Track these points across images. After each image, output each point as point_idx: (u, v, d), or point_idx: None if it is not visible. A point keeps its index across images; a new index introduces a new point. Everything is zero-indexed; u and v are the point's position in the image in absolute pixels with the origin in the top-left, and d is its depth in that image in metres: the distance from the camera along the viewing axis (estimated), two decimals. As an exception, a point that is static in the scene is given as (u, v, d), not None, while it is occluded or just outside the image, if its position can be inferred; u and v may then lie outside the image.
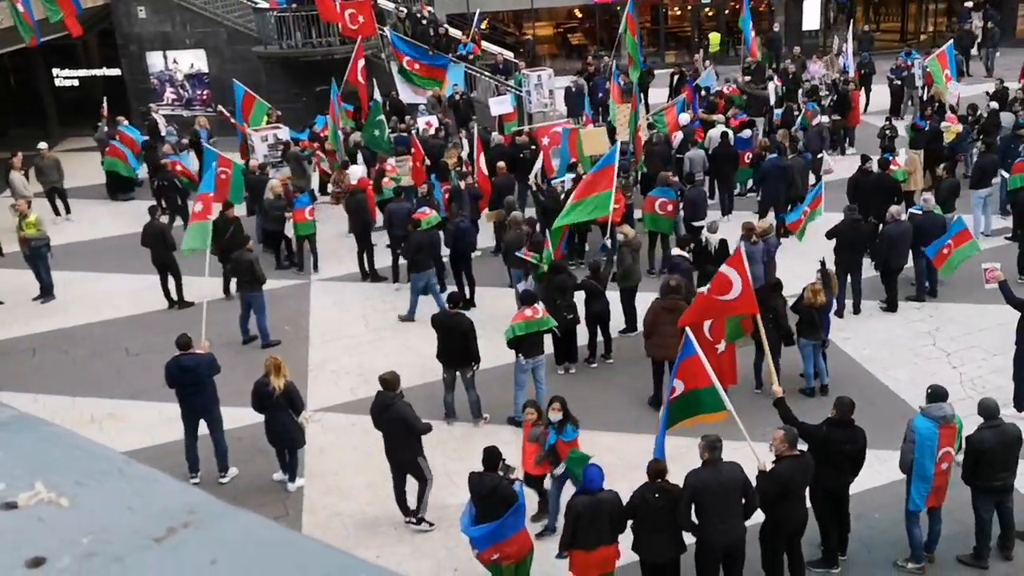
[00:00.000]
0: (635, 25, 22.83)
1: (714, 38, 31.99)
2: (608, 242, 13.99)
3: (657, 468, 8.05)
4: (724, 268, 10.19)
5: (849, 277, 13.67)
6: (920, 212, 14.18)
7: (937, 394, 8.53)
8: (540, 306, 11.42)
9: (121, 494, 1.03)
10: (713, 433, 8.13)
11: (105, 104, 22.75)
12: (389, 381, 9.44)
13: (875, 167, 15.84)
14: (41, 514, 0.99)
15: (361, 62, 21.38)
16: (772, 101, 21.24)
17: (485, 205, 16.62)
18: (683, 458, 8.93)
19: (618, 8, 32.82)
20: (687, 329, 9.15)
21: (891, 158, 16.36)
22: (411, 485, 9.71)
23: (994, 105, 19.55)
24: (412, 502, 9.75)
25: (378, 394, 9.47)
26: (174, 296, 15.43)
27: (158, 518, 0.99)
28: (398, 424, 9.33)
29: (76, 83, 29.58)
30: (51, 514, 0.99)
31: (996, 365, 11.94)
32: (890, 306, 13.93)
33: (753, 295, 10.00)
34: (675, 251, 13.48)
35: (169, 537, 0.96)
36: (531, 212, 16.24)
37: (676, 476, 8.25)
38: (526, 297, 11.56)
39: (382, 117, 19.46)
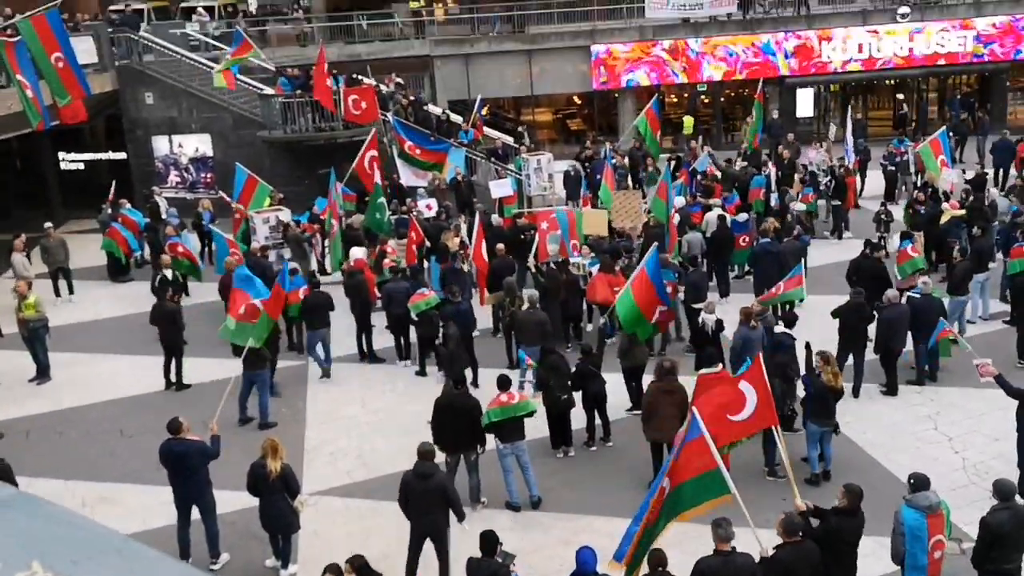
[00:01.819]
0: (656, 120, 23.65)
1: (688, 122, 32.64)
2: (604, 321, 13.88)
3: (658, 557, 7.91)
4: (742, 384, 9.59)
5: (852, 358, 13.65)
6: (919, 295, 14.22)
7: (920, 483, 8.38)
8: (516, 391, 11.38)
9: (118, 574, 1.02)
10: (724, 517, 7.93)
11: (113, 187, 23.05)
12: (429, 452, 9.76)
13: (885, 250, 15.84)
14: (37, 594, 0.98)
15: (372, 152, 21.72)
16: (772, 185, 21.50)
17: (483, 286, 16.65)
18: (686, 543, 8.77)
19: (616, 96, 33.57)
20: (694, 408, 8.73)
21: (912, 243, 16.33)
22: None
23: (994, 191, 19.79)
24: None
25: (416, 464, 9.60)
26: (173, 378, 15.38)
27: (155, 599, 0.97)
28: (436, 493, 9.50)
29: (81, 166, 29.94)
30: (47, 594, 0.98)
31: (999, 450, 11.82)
32: (890, 390, 13.86)
33: (772, 407, 9.55)
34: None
35: (166, 618, 0.94)
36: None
37: (678, 562, 8.10)
38: (501, 382, 11.39)
39: (383, 200, 19.68)
